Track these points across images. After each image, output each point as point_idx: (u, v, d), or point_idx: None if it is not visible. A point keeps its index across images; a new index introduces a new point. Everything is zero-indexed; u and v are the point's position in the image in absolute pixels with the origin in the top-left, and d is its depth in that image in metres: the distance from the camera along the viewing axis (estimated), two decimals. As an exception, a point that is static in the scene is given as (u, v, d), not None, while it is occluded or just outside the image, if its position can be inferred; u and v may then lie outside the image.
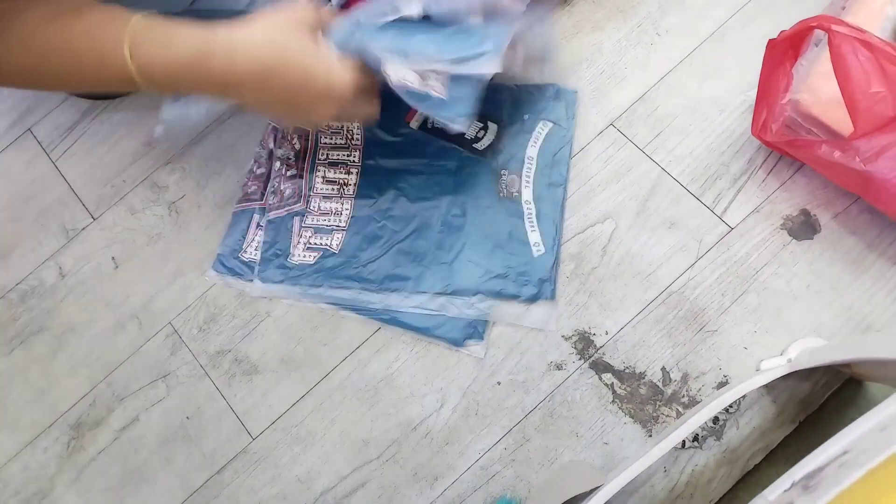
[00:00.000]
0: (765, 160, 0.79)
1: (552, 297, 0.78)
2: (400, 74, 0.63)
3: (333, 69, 0.59)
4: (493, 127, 0.84)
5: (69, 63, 0.55)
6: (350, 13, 0.66)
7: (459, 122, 0.67)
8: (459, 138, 0.84)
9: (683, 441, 0.73)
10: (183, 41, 0.55)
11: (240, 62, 0.56)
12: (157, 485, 0.82)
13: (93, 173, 0.95)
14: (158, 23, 0.56)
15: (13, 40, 0.54)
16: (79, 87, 0.60)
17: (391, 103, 0.69)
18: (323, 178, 0.86)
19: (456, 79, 0.65)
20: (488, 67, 0.64)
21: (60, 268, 0.92)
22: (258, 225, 0.86)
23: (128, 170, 0.94)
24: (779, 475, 0.37)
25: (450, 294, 0.79)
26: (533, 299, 0.78)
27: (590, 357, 0.77)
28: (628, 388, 0.76)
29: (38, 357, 0.89)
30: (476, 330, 0.79)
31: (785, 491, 0.36)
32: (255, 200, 0.88)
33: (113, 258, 0.91)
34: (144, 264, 0.90)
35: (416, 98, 0.65)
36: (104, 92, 0.61)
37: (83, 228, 0.93)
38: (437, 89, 0.64)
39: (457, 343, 0.78)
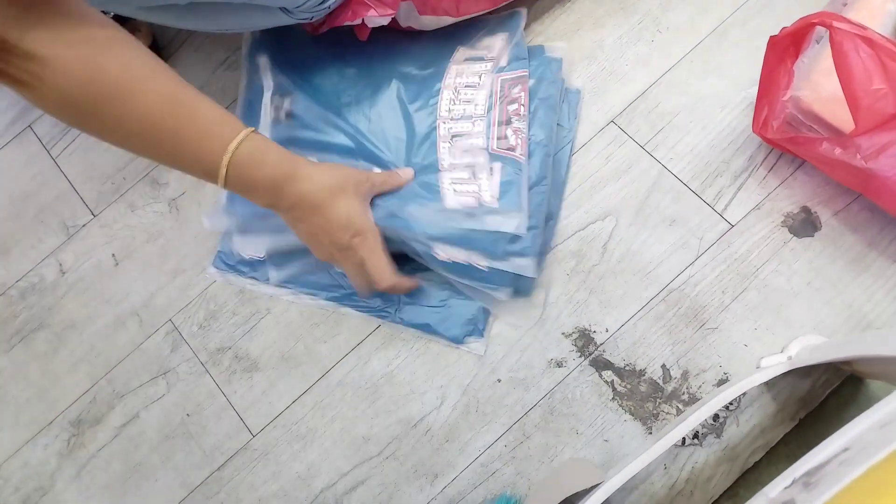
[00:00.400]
0: (765, 157, 0.79)
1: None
2: (447, 254, 0.73)
3: (366, 226, 0.70)
4: None
5: (169, 144, 0.60)
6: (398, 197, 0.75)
7: (502, 291, 0.75)
8: None
9: (683, 438, 0.73)
10: (275, 164, 0.64)
11: (307, 189, 0.66)
12: (157, 482, 0.82)
13: (93, 170, 0.95)
14: (259, 140, 0.64)
15: (130, 106, 0.57)
16: (159, 161, 0.64)
17: None
18: None
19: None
20: (525, 270, 0.72)
21: (61, 265, 0.92)
22: None
23: (128, 167, 0.94)
24: (779, 473, 0.37)
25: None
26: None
27: (590, 354, 0.77)
28: (628, 386, 0.76)
29: (39, 354, 0.89)
30: (476, 327, 0.78)
31: (786, 488, 0.36)
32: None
33: (113, 255, 0.91)
34: (145, 261, 0.90)
35: (459, 271, 0.74)
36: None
37: (83, 225, 0.93)
38: (480, 262, 0.73)
39: (457, 341, 0.78)
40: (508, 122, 0.76)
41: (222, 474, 0.81)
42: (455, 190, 0.75)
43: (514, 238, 0.72)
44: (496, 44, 0.83)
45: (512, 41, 0.82)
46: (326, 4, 0.72)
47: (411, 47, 0.85)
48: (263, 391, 0.82)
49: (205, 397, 0.83)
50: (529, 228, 0.72)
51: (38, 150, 0.98)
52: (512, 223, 0.70)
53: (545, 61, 0.83)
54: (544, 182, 0.76)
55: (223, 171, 0.61)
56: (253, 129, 0.64)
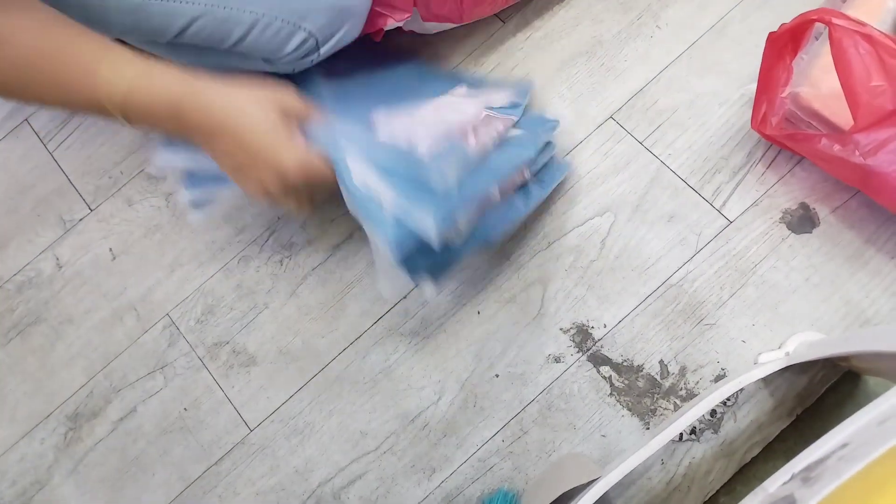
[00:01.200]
0: (764, 154, 0.79)
1: None
2: (362, 175, 0.64)
3: (289, 150, 0.60)
4: None
5: (51, 87, 0.55)
6: (333, 123, 0.67)
7: (392, 248, 0.63)
8: None
9: (681, 434, 0.73)
10: (166, 75, 0.57)
11: (215, 111, 0.58)
12: (154, 476, 0.82)
13: (90, 164, 0.95)
14: (146, 64, 0.57)
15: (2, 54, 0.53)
16: (45, 99, 0.57)
17: None
18: None
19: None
20: (426, 229, 0.62)
21: (58, 259, 0.92)
22: None
23: (125, 161, 0.94)
24: (776, 468, 0.37)
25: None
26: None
27: (588, 350, 0.77)
28: (626, 381, 0.76)
29: (36, 348, 0.88)
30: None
31: (784, 483, 0.36)
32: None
33: (110, 249, 0.91)
34: (142, 255, 0.90)
35: (363, 205, 0.64)
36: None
37: (80, 219, 0.93)
38: (388, 200, 0.64)
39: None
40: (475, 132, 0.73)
41: (220, 468, 0.81)
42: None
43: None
44: (499, 94, 0.80)
45: (514, 97, 0.80)
46: (309, 59, 0.70)
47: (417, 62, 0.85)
48: (261, 386, 0.82)
49: (202, 392, 0.83)
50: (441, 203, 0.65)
51: (34, 143, 0.97)
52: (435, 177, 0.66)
53: (541, 121, 0.82)
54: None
55: (111, 102, 0.55)
56: (136, 53, 0.58)
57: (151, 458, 0.82)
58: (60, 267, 0.91)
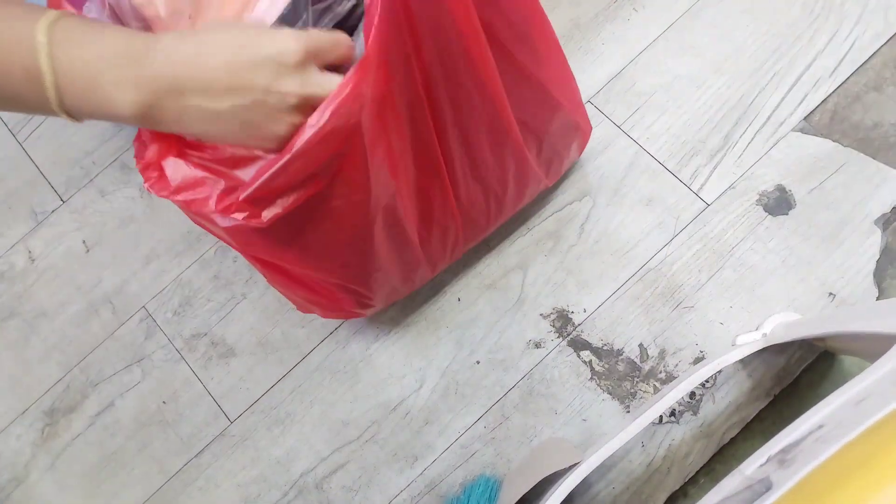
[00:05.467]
0: (741, 136, 0.79)
1: None
2: None
3: (274, 33, 0.45)
4: None
5: None
6: None
7: None
8: None
9: (661, 416, 0.74)
10: (116, 34, 0.42)
11: (179, 45, 0.43)
12: (134, 470, 0.81)
13: (61, 155, 0.93)
14: (81, 17, 0.43)
15: None
16: None
17: None
18: None
19: None
20: None
21: (30, 252, 0.90)
22: None
23: (97, 151, 0.92)
24: (754, 448, 0.37)
25: None
26: None
27: (568, 335, 0.77)
28: (606, 365, 0.76)
29: (10, 343, 0.87)
30: None
31: (761, 465, 0.36)
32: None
33: (84, 241, 0.89)
34: (116, 247, 0.88)
35: None
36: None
37: (52, 211, 0.91)
38: None
39: None
40: None
41: (200, 461, 0.80)
42: None
43: None
44: None
45: None
46: None
47: None
48: (241, 377, 0.82)
49: (181, 384, 0.82)
50: None
51: (3, 134, 0.95)
52: None
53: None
54: None
55: (42, 56, 0.40)
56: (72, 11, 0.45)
57: (130, 452, 0.81)
58: (33, 260, 0.89)
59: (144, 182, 0.45)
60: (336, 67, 0.50)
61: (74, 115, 0.42)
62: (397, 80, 0.48)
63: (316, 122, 0.43)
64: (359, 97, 0.43)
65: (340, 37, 0.46)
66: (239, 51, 0.43)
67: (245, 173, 0.46)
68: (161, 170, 0.45)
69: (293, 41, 0.44)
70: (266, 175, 0.42)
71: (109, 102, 0.41)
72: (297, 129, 0.44)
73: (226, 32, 0.44)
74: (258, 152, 0.48)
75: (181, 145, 0.46)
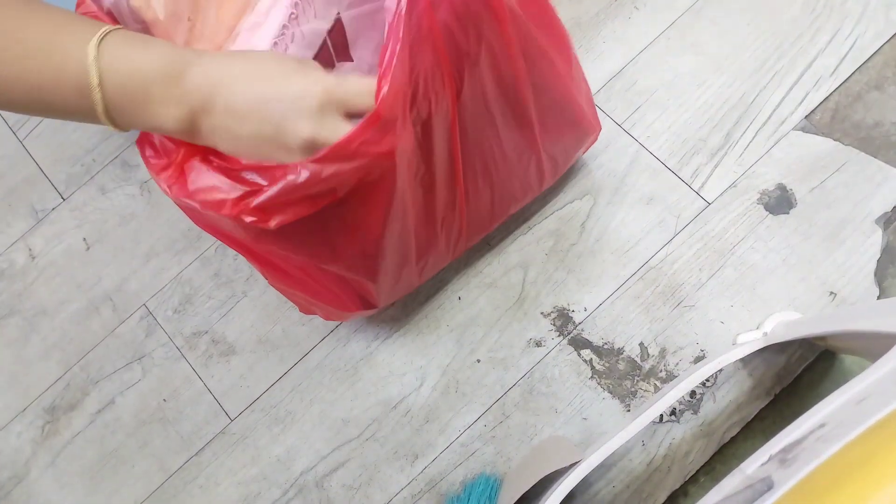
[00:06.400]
0: (742, 135, 0.79)
1: None
2: None
3: (306, 74, 0.48)
4: None
5: (13, 57, 0.43)
6: None
7: None
8: None
9: (661, 415, 0.74)
10: (163, 49, 0.45)
11: (218, 64, 0.46)
12: (134, 468, 0.81)
13: (62, 152, 0.93)
14: (131, 33, 0.46)
15: None
16: (16, 96, 0.44)
17: None
18: None
19: None
20: None
21: (30, 249, 0.90)
22: None
23: (97, 148, 0.92)
24: (755, 447, 0.37)
25: None
26: None
27: (569, 333, 0.77)
28: (607, 364, 0.76)
29: (10, 341, 0.87)
30: None
31: (762, 465, 0.36)
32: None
33: (84, 239, 0.89)
34: (117, 245, 0.88)
35: None
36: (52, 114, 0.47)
37: (53, 209, 0.91)
38: None
39: None
40: None
41: (201, 459, 0.80)
42: None
43: None
44: None
45: None
46: None
47: None
48: (241, 375, 0.82)
49: (181, 382, 0.82)
50: None
51: (3, 132, 0.95)
52: None
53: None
54: None
55: (92, 63, 0.43)
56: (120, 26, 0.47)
57: (131, 449, 0.81)
58: (33, 258, 0.89)
59: (163, 183, 0.46)
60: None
61: (121, 126, 0.44)
62: (426, 99, 0.49)
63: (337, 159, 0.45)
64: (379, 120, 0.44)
65: (369, 87, 0.47)
66: (268, 83, 0.46)
67: (263, 178, 0.47)
68: (182, 172, 0.46)
69: (316, 85, 0.47)
70: (280, 185, 0.44)
71: (155, 117, 0.44)
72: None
73: (263, 62, 0.47)
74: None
75: (205, 150, 0.47)
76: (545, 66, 0.57)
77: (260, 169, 0.46)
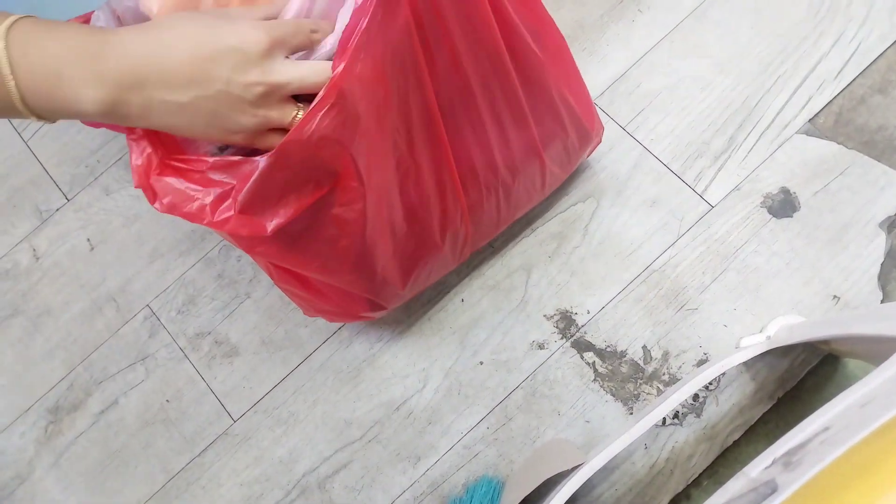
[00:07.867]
0: (745, 138, 0.79)
1: None
2: None
3: (240, 22, 0.46)
4: None
5: None
6: None
7: None
8: None
9: (664, 418, 0.73)
10: (77, 31, 0.43)
11: (136, 41, 0.43)
12: (137, 468, 0.81)
13: (66, 153, 0.93)
14: (38, 19, 0.43)
15: None
16: None
17: None
18: None
19: None
20: None
21: (35, 250, 0.90)
22: None
23: (102, 149, 0.92)
24: (758, 451, 0.37)
25: None
26: None
27: (571, 336, 0.77)
28: (609, 367, 0.76)
29: (14, 341, 0.87)
30: None
31: (766, 468, 0.36)
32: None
33: (88, 240, 0.89)
34: (121, 246, 0.88)
35: None
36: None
37: (57, 209, 0.91)
38: None
39: None
40: None
41: (203, 460, 0.80)
42: None
43: None
44: None
45: None
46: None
47: None
48: (244, 376, 0.82)
49: (184, 383, 0.83)
50: None
51: (8, 133, 0.95)
52: None
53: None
54: None
55: (2, 63, 0.40)
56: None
57: (134, 450, 0.82)
58: (38, 258, 0.90)
59: (149, 201, 0.46)
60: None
61: (43, 115, 0.42)
62: (398, 87, 0.48)
63: (294, 120, 0.45)
64: (337, 95, 0.42)
65: (302, 22, 0.47)
66: (200, 42, 0.44)
67: (233, 176, 0.46)
68: (154, 190, 0.45)
69: (256, 30, 0.45)
70: (256, 175, 0.43)
71: (73, 100, 0.42)
72: (266, 121, 0.45)
73: (187, 23, 0.44)
74: (240, 157, 0.47)
75: (164, 158, 0.46)
76: (534, 61, 0.57)
77: (224, 167, 0.44)
